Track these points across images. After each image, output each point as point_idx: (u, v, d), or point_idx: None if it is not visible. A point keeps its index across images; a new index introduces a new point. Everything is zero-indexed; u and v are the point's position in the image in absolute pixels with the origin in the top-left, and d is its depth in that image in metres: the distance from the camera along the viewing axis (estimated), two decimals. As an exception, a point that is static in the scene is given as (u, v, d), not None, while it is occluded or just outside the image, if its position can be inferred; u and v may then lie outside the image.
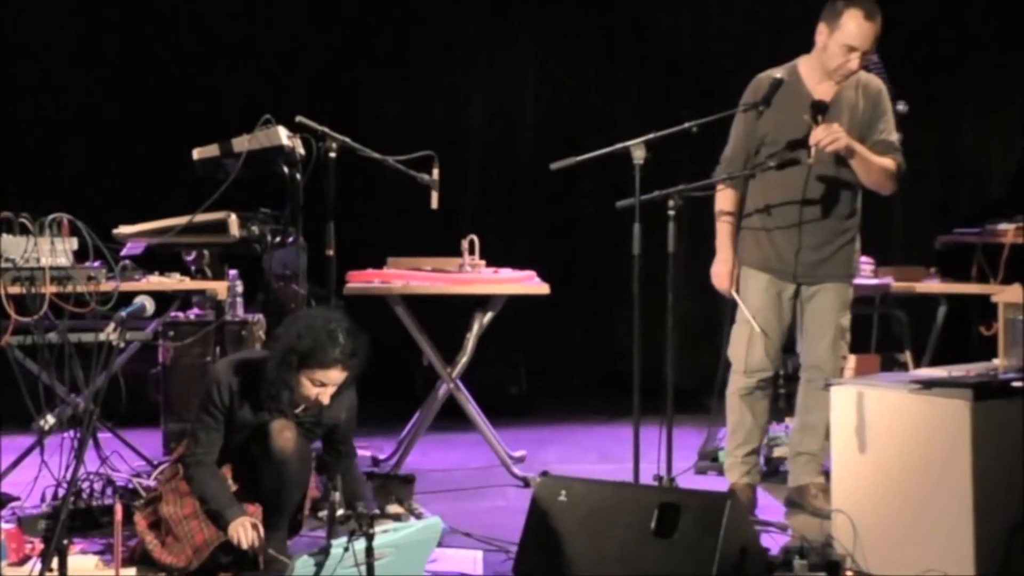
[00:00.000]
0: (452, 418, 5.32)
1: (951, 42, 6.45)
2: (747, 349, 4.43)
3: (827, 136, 4.20)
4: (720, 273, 4.48)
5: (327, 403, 3.72)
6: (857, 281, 5.41)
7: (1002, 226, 5.43)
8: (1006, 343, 4.06)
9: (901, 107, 5.43)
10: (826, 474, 4.36)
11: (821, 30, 4.32)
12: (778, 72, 4.29)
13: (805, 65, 4.40)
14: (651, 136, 4.08)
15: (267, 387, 3.70)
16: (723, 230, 4.47)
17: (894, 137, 4.52)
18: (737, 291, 4.47)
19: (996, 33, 6.29)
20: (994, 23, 6.30)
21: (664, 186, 4.11)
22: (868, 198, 5.56)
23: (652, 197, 4.11)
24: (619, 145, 4.09)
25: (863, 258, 5.47)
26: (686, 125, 4.21)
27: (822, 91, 4.34)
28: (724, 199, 4.45)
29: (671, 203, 4.11)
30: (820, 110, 4.24)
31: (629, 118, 6.38)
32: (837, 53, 4.27)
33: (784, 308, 4.46)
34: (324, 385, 3.67)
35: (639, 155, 4.04)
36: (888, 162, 4.39)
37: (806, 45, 4.41)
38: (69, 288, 4.18)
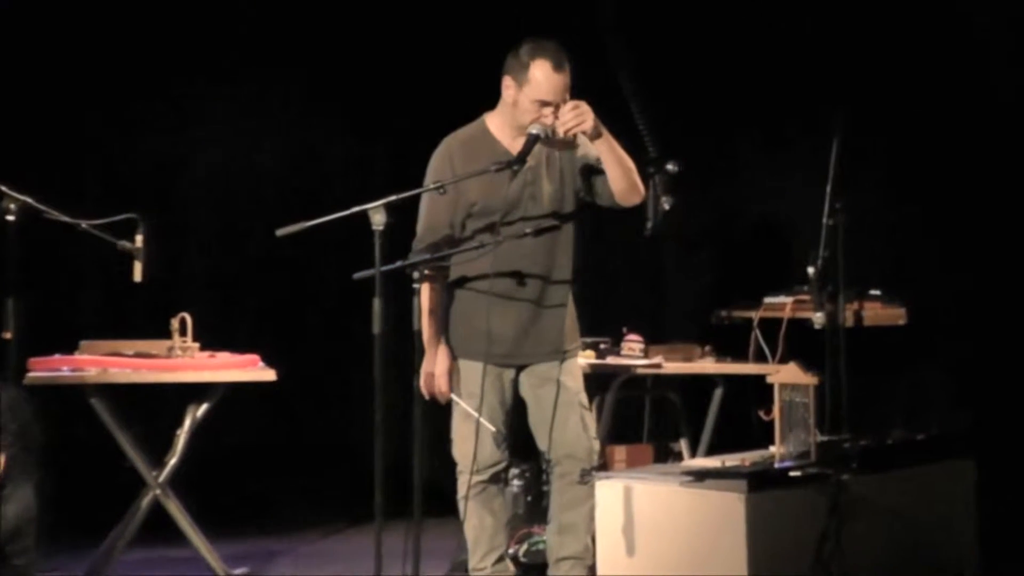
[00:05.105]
0: (160, 531, 5.24)
1: (729, 99, 6.82)
2: (475, 445, 4.51)
3: (575, 118, 4.32)
4: (439, 375, 4.52)
5: None
6: (627, 362, 5.69)
7: (780, 299, 5.76)
8: (783, 428, 4.32)
9: (671, 167, 5.76)
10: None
11: (508, 84, 4.49)
12: (466, 132, 4.52)
13: (493, 121, 4.58)
14: (393, 198, 4.17)
15: None
16: (429, 326, 4.50)
17: None
18: (452, 387, 4.55)
19: (779, 93, 6.69)
20: (776, 80, 6.71)
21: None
22: (637, 268, 5.85)
23: (394, 267, 4.20)
24: (355, 208, 4.16)
25: (632, 336, 5.74)
26: (433, 186, 4.35)
27: (518, 148, 4.45)
28: (423, 293, 4.41)
29: (416, 275, 4.21)
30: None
31: (381, 182, 6.49)
32: (530, 109, 4.43)
33: (506, 392, 4.59)
34: None
35: (379, 220, 4.10)
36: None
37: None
38: None
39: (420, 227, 4.56)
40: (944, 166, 6.12)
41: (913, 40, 6.20)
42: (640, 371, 5.77)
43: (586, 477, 4.44)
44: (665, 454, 5.96)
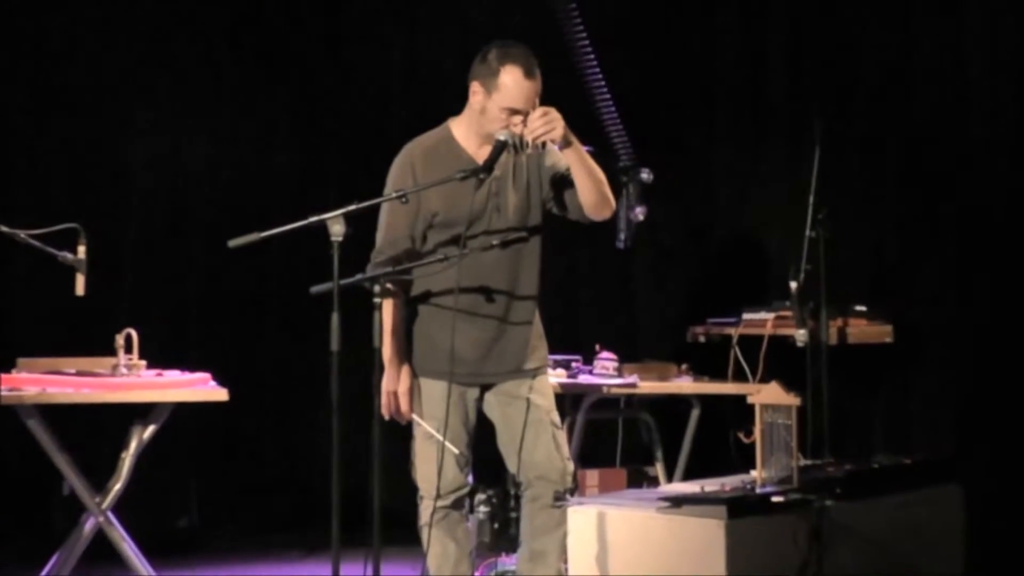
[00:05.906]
0: (102, 559, 5.20)
1: (704, 105, 6.84)
2: (438, 469, 4.48)
3: (544, 125, 4.31)
4: (401, 394, 4.51)
5: None
6: (599, 381, 5.68)
7: (761, 315, 5.76)
8: (764, 451, 4.32)
9: (645, 175, 5.76)
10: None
11: (476, 90, 4.46)
12: (429, 139, 4.50)
13: (458, 128, 4.55)
14: (352, 208, 4.16)
15: None
16: (390, 343, 4.48)
17: None
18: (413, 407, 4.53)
19: (759, 102, 6.72)
20: (753, 87, 6.74)
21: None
22: (610, 282, 5.82)
23: (354, 281, 4.18)
24: (313, 219, 4.14)
25: (605, 353, 5.73)
26: (395, 195, 4.33)
27: (484, 156, 4.44)
28: (385, 308, 4.40)
29: (377, 289, 4.19)
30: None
31: (338, 188, 6.48)
32: (498, 117, 4.41)
33: (470, 412, 4.56)
34: None
35: (337, 230, 4.07)
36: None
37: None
38: None
39: (380, 238, 4.53)
40: (931, 176, 6.15)
41: (897, 50, 6.25)
42: (613, 391, 5.75)
43: (560, 500, 4.41)
44: (639, 478, 5.95)
